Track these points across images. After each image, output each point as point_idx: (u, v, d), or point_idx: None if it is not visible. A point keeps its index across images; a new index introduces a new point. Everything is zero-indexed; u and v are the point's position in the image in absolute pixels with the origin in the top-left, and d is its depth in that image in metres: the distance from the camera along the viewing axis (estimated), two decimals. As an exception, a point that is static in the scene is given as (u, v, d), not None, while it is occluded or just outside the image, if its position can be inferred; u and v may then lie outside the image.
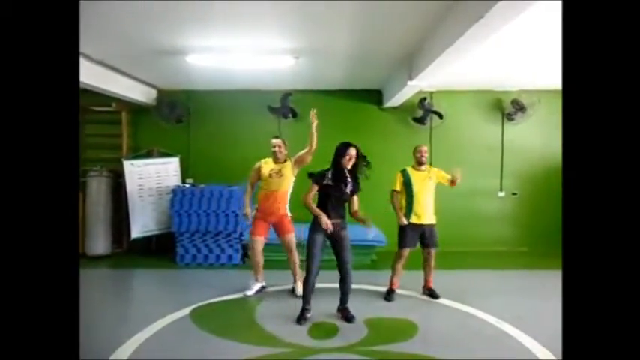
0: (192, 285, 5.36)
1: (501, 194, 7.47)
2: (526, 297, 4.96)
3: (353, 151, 4.09)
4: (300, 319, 4.08)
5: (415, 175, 4.81)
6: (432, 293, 4.87)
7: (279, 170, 4.83)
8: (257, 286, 4.97)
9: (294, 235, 4.91)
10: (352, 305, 4.30)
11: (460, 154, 7.39)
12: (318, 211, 4.02)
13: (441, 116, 7.22)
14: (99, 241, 6.75)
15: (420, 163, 4.85)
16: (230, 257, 6.31)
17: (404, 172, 4.86)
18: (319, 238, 4.07)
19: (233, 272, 5.92)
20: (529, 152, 7.37)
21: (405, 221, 4.71)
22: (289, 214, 4.94)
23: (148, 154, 7.22)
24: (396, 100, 6.66)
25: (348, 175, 4.10)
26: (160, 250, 6.93)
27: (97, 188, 6.77)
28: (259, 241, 4.93)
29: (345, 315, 4.19)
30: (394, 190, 4.86)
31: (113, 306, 4.72)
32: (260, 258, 4.96)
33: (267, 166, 4.91)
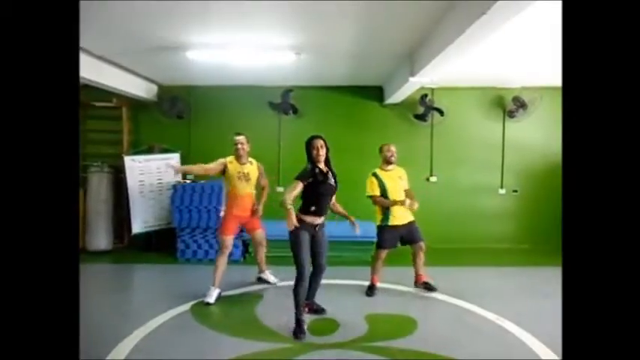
0: (192, 280, 5.37)
1: (502, 191, 7.47)
2: (526, 294, 4.96)
3: (318, 142, 3.82)
4: (300, 333, 3.72)
5: (386, 176, 4.80)
6: (427, 286, 4.87)
7: (247, 173, 4.82)
8: (216, 292, 4.61)
9: (262, 230, 5.04)
10: (352, 301, 4.31)
11: (461, 151, 7.40)
12: (291, 210, 3.61)
13: (442, 113, 7.21)
14: (100, 237, 6.77)
15: (388, 163, 4.84)
16: (230, 253, 6.30)
17: (376, 176, 4.80)
18: (306, 237, 3.79)
19: (233, 268, 5.88)
20: (530, 149, 7.35)
21: (408, 202, 4.61)
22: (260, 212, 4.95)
23: (149, 150, 7.22)
24: (397, 96, 6.65)
25: (328, 168, 3.92)
26: (160, 245, 6.93)
27: (97, 184, 6.78)
28: (230, 241, 4.81)
29: (315, 308, 4.18)
30: (372, 196, 4.75)
31: (114, 301, 4.73)
32: (225, 261, 4.76)
33: (232, 166, 4.80)
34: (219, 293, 4.65)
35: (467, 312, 4.37)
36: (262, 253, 5.13)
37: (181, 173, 6.93)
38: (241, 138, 4.80)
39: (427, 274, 4.96)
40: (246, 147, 4.82)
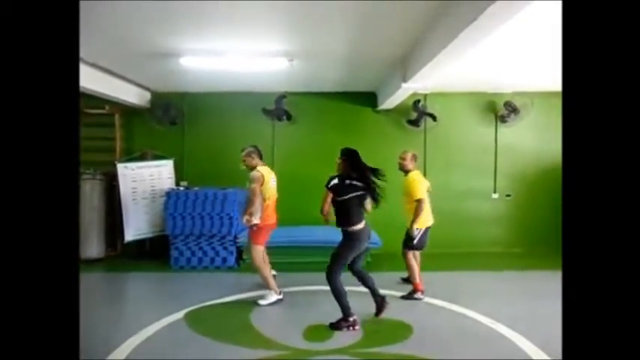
0: (186, 288, 5.33)
1: (495, 196, 7.51)
2: (520, 298, 4.98)
3: None
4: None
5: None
6: (409, 293, 4.92)
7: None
8: (273, 297, 4.71)
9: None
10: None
11: (454, 156, 7.44)
12: None
13: (434, 118, 7.25)
14: (92, 245, 6.71)
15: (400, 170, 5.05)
16: (224, 260, 6.29)
17: None
18: None
19: (227, 275, 5.90)
20: (522, 154, 7.41)
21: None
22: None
23: (142, 157, 7.19)
24: (390, 102, 6.68)
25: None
26: (153, 253, 6.89)
27: (90, 191, 6.73)
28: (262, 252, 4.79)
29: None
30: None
31: (107, 310, 4.68)
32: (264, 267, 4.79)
33: (268, 175, 4.73)
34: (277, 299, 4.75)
35: (461, 316, 4.37)
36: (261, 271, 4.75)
37: (176, 176, 7.07)
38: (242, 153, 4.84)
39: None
40: (249, 160, 4.82)
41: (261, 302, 4.64)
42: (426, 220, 4.89)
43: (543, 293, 4.83)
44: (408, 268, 4.92)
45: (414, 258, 4.96)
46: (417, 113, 7.23)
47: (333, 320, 4.08)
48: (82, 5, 3.33)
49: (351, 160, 4.07)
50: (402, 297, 4.85)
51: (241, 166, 4.82)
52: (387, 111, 7.29)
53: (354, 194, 4.00)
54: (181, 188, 6.84)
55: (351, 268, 4.22)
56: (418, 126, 7.31)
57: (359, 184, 4.01)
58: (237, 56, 5.15)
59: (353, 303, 4.09)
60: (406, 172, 4.96)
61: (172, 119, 7.27)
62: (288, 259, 6.17)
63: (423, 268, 5.03)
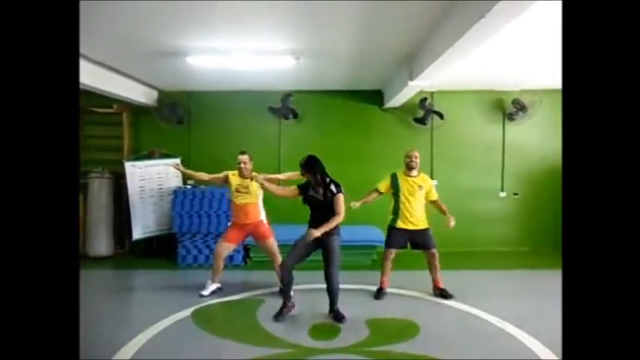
0: (193, 286, 5.35)
1: (503, 194, 7.46)
2: (527, 297, 4.95)
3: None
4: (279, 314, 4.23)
5: (403, 180, 4.87)
6: (442, 293, 4.86)
7: (247, 186, 4.89)
8: (213, 286, 4.99)
9: (273, 239, 4.98)
10: (353, 305, 4.30)
11: (461, 154, 7.40)
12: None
13: (441, 116, 7.21)
14: (100, 243, 6.77)
15: (407, 168, 4.89)
16: (231, 258, 6.30)
17: (393, 176, 4.93)
18: (297, 243, 4.24)
19: (235, 273, 5.91)
20: (530, 152, 7.36)
21: (356, 204, 4.79)
22: (265, 220, 5.05)
23: (149, 156, 7.22)
24: (396, 100, 6.66)
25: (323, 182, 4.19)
26: (161, 251, 6.93)
27: (98, 189, 6.79)
28: (226, 247, 5.02)
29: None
30: (376, 189, 4.98)
31: (115, 307, 4.72)
32: (221, 263, 5.01)
33: (234, 178, 4.97)
34: (217, 288, 5.01)
35: (468, 315, 4.36)
36: (277, 263, 4.93)
37: (183, 175, 6.99)
38: (244, 157, 4.93)
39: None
40: (249, 165, 4.93)
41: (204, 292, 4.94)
42: None
43: (550, 292, 4.78)
44: (436, 268, 4.88)
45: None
46: (423, 111, 7.20)
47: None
48: (90, 4, 3.36)
49: (315, 170, 4.15)
50: (445, 297, 4.79)
51: (247, 172, 4.86)
52: (394, 109, 7.27)
53: None
54: (188, 187, 6.87)
55: (288, 264, 4.25)
56: (425, 124, 7.28)
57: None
58: (244, 55, 5.15)
59: (352, 302, 4.26)
60: (412, 170, 4.90)
61: (179, 118, 7.29)
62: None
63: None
